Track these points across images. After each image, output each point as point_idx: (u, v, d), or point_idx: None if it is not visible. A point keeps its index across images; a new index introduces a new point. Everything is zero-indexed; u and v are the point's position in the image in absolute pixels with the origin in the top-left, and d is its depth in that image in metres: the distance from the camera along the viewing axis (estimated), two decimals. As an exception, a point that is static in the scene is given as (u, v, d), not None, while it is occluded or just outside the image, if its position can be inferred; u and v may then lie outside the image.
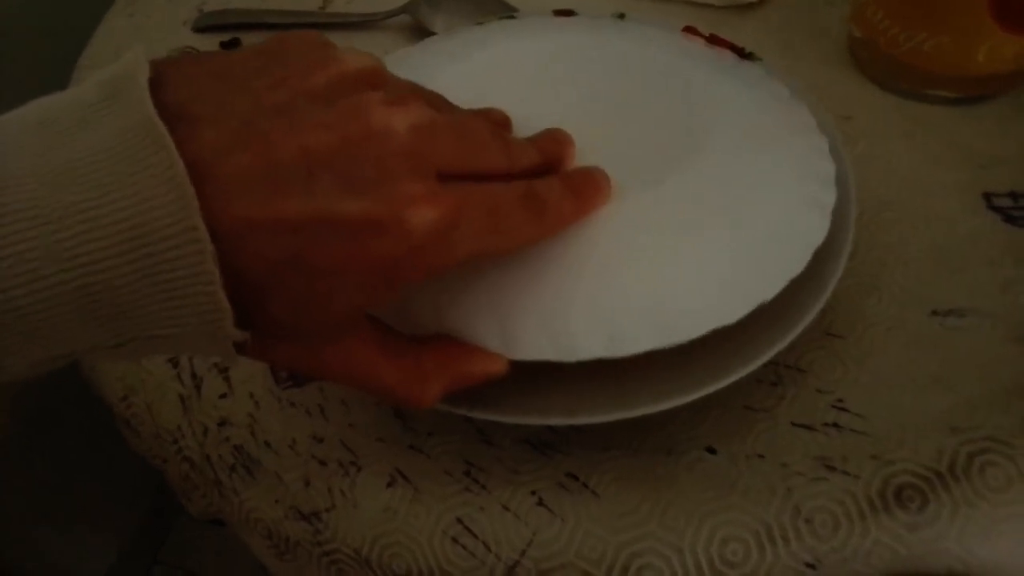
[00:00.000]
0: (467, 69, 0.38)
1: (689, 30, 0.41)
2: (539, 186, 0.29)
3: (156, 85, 0.24)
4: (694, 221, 0.31)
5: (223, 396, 0.41)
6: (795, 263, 0.32)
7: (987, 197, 0.41)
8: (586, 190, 0.31)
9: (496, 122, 0.34)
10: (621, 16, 0.44)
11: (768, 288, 0.31)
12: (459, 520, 0.35)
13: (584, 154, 0.33)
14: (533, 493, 0.35)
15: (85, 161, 0.22)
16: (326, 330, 0.27)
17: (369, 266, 0.24)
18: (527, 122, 0.34)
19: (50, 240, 0.22)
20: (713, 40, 0.41)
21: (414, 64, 0.39)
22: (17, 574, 0.95)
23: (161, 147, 0.22)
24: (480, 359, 0.30)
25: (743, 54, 0.41)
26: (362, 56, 0.26)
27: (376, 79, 0.26)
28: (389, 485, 0.36)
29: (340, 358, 0.28)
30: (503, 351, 0.30)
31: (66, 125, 0.23)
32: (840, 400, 0.36)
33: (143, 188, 0.22)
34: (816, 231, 0.33)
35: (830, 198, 0.34)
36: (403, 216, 0.24)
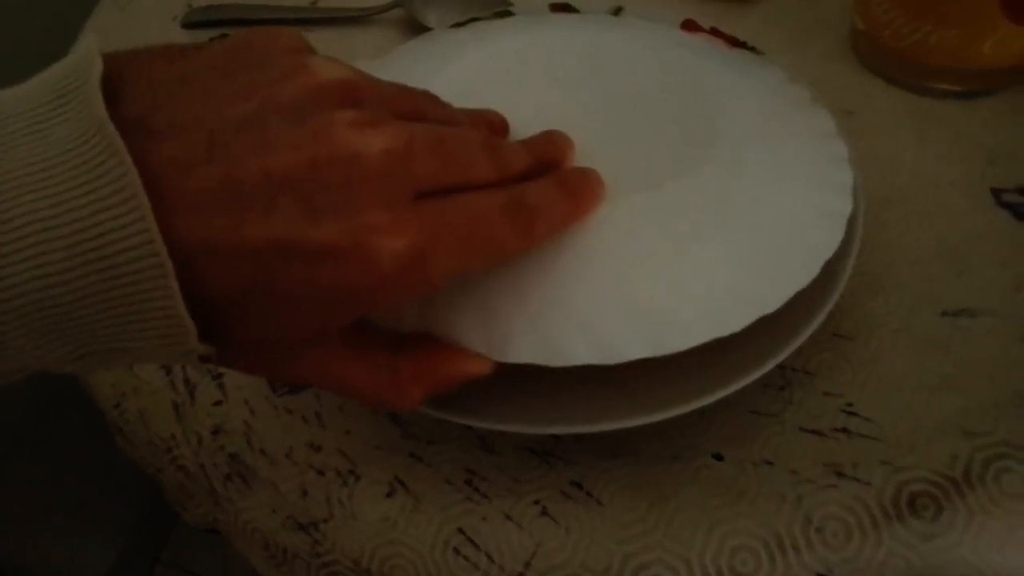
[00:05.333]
0: (466, 67, 0.37)
1: (689, 24, 0.40)
2: (529, 193, 0.27)
3: (116, 88, 0.22)
4: (694, 226, 0.30)
5: (217, 403, 0.40)
6: (802, 274, 0.30)
7: (995, 193, 0.40)
8: (579, 192, 0.30)
9: (491, 125, 0.33)
10: (619, 10, 0.43)
11: (772, 299, 0.29)
12: (460, 530, 0.34)
13: (583, 155, 0.32)
14: (536, 502, 0.34)
15: (38, 167, 0.21)
16: (292, 344, 0.26)
17: (331, 295, 0.23)
18: (526, 122, 0.33)
19: (5, 250, 0.20)
20: (714, 34, 0.40)
21: (412, 61, 0.38)
22: (17, 574, 0.95)
23: (113, 154, 0.21)
24: (462, 361, 0.29)
25: (744, 48, 0.40)
26: (337, 67, 0.24)
27: (352, 93, 0.24)
28: (388, 495, 0.35)
29: (311, 367, 0.27)
30: (488, 353, 0.29)
31: (16, 126, 0.21)
32: (849, 404, 0.35)
33: (98, 198, 0.21)
34: (827, 242, 0.31)
35: (845, 208, 0.32)
36: (367, 246, 0.23)
